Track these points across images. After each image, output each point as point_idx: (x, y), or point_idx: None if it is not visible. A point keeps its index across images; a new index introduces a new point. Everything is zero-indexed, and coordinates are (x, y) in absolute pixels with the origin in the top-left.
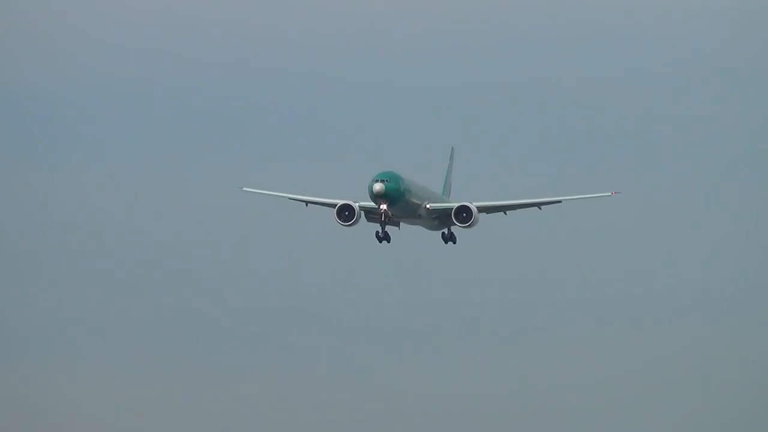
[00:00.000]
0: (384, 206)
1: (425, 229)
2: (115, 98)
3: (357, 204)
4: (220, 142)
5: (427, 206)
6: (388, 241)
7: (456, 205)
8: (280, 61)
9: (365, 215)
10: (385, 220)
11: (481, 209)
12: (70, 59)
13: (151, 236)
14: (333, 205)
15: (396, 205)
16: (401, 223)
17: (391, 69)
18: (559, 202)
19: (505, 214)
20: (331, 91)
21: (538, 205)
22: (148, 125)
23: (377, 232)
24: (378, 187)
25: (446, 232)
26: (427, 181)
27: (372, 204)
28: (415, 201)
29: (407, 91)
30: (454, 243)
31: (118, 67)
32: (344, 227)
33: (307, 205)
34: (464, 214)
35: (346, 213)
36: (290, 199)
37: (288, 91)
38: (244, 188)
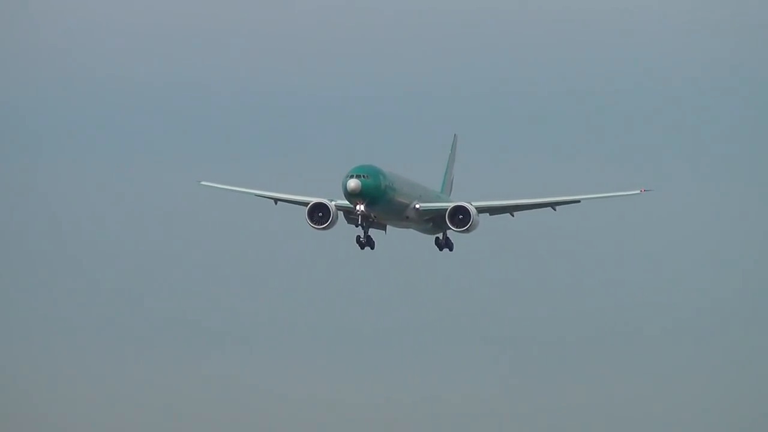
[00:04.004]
0: (361, 207)
1: (418, 233)
2: (66, 94)
3: (333, 203)
4: (182, 133)
5: (417, 206)
6: (372, 248)
7: (451, 205)
8: (254, 51)
9: (344, 216)
10: (364, 223)
11: (482, 210)
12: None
13: (101, 234)
14: (305, 204)
15: (376, 206)
16: (388, 226)
17: (391, 58)
18: (578, 201)
19: (513, 215)
20: (324, 85)
21: (553, 205)
22: (105, 120)
23: (358, 237)
24: (353, 184)
25: (441, 238)
26: (422, 178)
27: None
28: (400, 200)
29: (408, 79)
30: (451, 250)
31: (72, 62)
32: (318, 231)
33: (276, 203)
34: (460, 216)
35: (320, 214)
36: (257, 196)
37: (263, 82)
38: (203, 182)
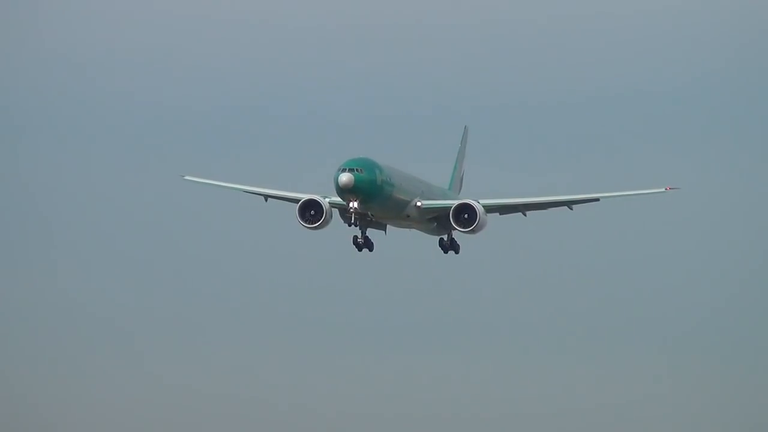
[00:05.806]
0: (354, 204)
1: (421, 233)
2: (45, 88)
3: (327, 200)
4: (171, 126)
5: (418, 204)
6: (370, 249)
7: (456, 202)
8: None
9: (339, 215)
10: (359, 222)
11: (492, 209)
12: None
13: (80, 231)
14: (297, 201)
15: (372, 203)
16: (388, 226)
17: (401, 46)
18: (597, 200)
19: (525, 215)
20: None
21: (569, 203)
22: (87, 114)
23: (355, 237)
24: (345, 178)
25: (446, 239)
26: (430, 174)
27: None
28: (399, 197)
29: (420, 71)
30: (456, 253)
31: (54, 57)
32: (310, 230)
33: (266, 199)
34: (466, 215)
35: (312, 212)
36: (245, 192)
37: (256, 74)
38: (186, 177)
